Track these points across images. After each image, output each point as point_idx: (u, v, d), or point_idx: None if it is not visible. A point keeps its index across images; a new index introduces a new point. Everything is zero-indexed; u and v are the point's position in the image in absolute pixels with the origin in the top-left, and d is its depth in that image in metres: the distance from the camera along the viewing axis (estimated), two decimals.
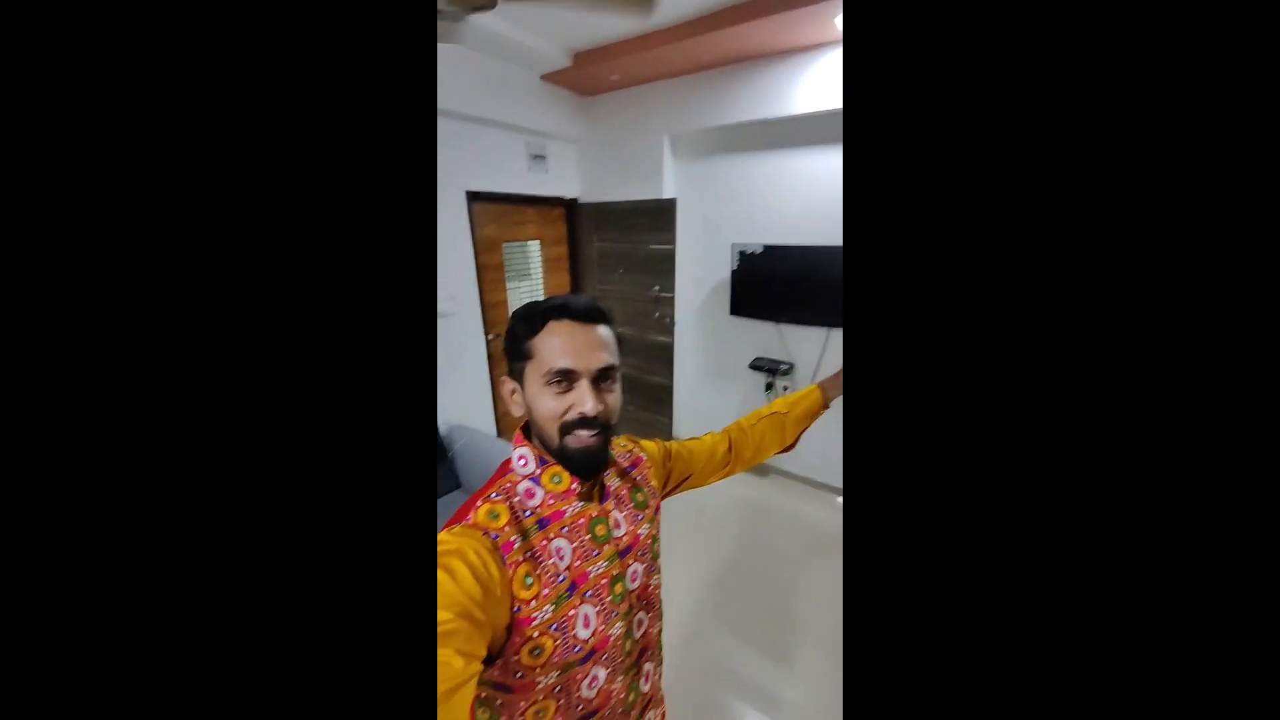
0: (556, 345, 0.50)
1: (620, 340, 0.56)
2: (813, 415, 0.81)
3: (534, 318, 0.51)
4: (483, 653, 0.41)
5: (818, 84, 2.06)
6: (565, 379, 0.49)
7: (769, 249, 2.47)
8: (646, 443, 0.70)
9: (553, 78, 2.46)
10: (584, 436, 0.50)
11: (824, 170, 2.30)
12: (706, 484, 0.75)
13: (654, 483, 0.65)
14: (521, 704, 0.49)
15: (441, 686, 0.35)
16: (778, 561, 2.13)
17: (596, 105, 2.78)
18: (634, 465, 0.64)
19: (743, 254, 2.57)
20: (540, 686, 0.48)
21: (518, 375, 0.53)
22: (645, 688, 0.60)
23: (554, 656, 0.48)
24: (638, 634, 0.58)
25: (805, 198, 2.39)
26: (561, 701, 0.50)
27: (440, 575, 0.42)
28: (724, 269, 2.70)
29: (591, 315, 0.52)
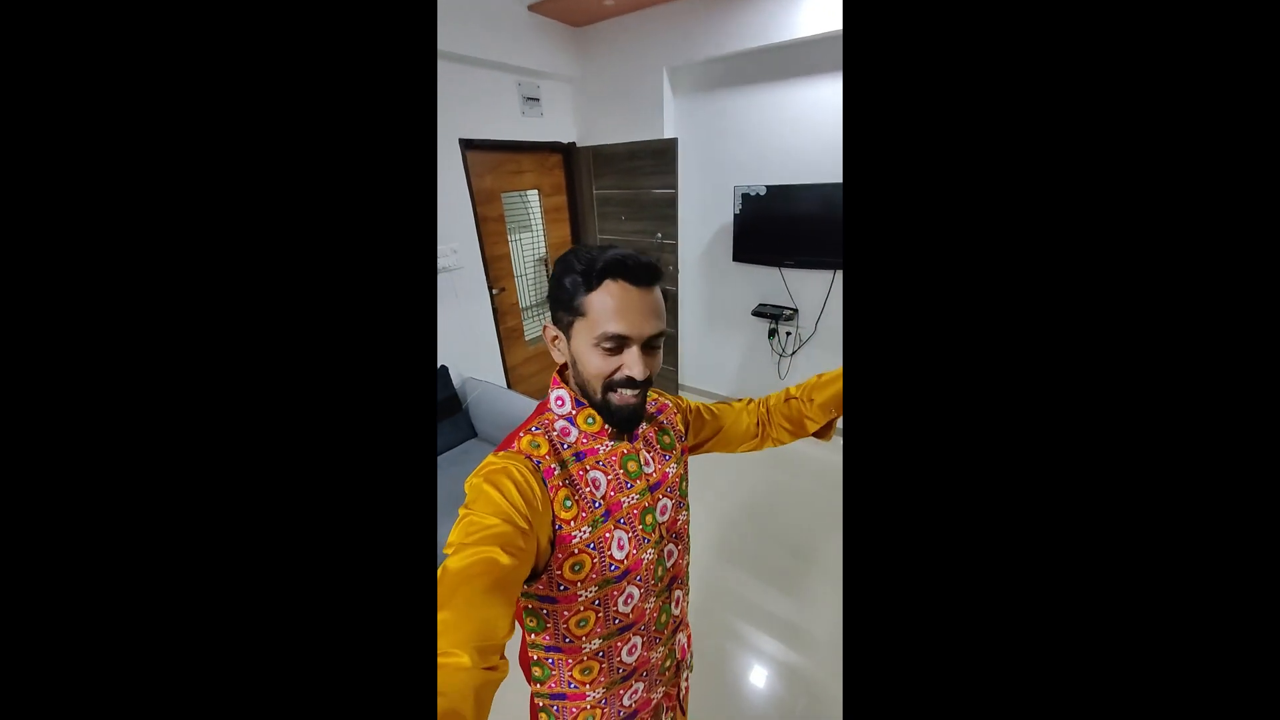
0: (611, 308, 0.49)
1: (666, 297, 0.58)
2: (839, 405, 0.72)
3: (590, 274, 0.50)
4: (530, 552, 0.45)
5: (821, 2, 1.91)
6: (617, 343, 0.50)
7: (771, 190, 2.40)
8: (670, 395, 0.73)
9: (541, 8, 2.30)
10: (626, 395, 0.52)
11: (826, 101, 2.18)
12: (736, 451, 0.75)
13: (680, 427, 0.68)
14: (565, 613, 0.54)
15: (490, 578, 0.40)
16: (791, 502, 2.25)
17: (590, 37, 2.61)
18: (659, 411, 0.68)
19: (745, 196, 2.50)
20: (581, 599, 0.53)
21: (564, 326, 0.53)
22: (676, 611, 0.66)
23: (592, 573, 0.53)
24: (669, 563, 0.62)
25: (808, 132, 2.28)
26: (600, 614, 0.55)
27: (487, 489, 0.47)
28: (726, 213, 2.64)
29: (648, 277, 0.52)
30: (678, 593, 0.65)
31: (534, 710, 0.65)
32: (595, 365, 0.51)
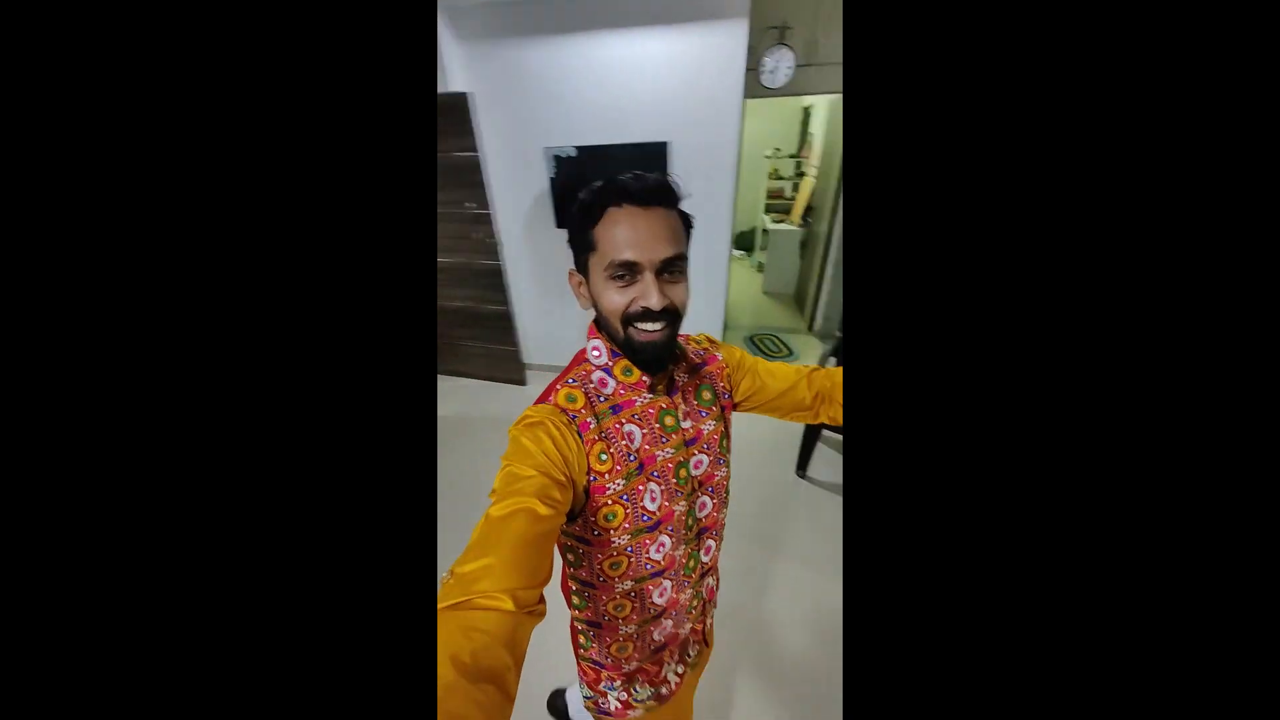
0: (617, 235, 0.47)
1: (688, 222, 0.52)
2: None
3: (593, 205, 0.49)
4: (567, 503, 0.47)
5: None
6: (628, 271, 0.48)
7: (583, 150, 2.33)
8: (726, 346, 0.68)
9: None
10: (648, 329, 0.49)
11: (636, 56, 2.16)
12: (785, 419, 0.71)
13: (723, 384, 0.64)
14: (599, 555, 0.56)
15: (530, 527, 0.41)
16: (760, 486, 2.11)
17: None
18: (706, 363, 0.64)
19: (557, 158, 2.38)
20: (615, 545, 0.55)
21: (583, 267, 0.52)
22: (705, 559, 0.67)
23: (625, 522, 0.54)
24: (700, 514, 0.62)
25: (618, 89, 2.24)
26: (633, 559, 0.56)
27: (525, 442, 0.47)
28: (542, 177, 2.49)
29: (655, 197, 0.48)
30: (709, 541, 0.66)
31: (574, 631, 0.68)
32: (612, 300, 0.49)
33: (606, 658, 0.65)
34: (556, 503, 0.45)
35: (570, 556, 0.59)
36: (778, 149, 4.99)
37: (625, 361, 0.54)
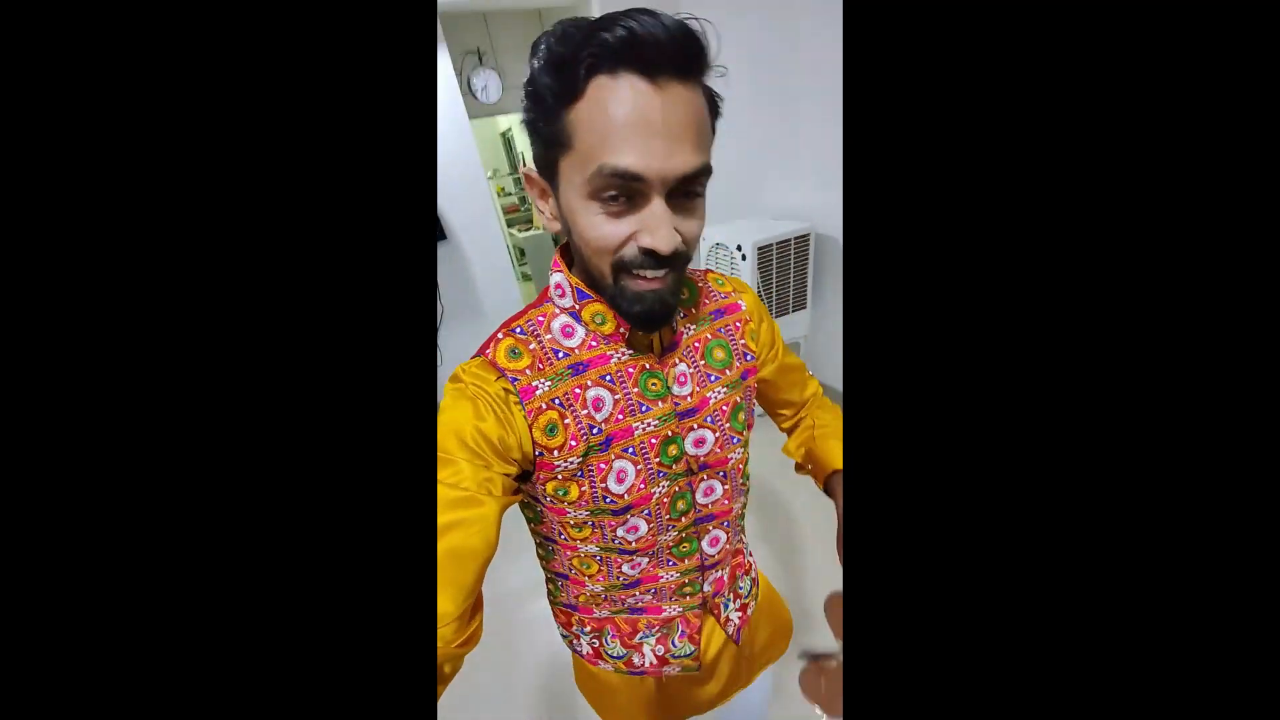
0: (610, 124, 0.30)
1: (716, 107, 0.35)
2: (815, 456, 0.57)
3: (573, 65, 0.30)
4: (511, 481, 0.39)
5: None
6: (624, 191, 0.32)
7: None
8: (748, 290, 0.51)
9: None
10: (650, 277, 0.35)
11: None
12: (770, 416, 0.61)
13: (745, 341, 0.48)
14: (555, 519, 0.45)
15: (468, 541, 0.34)
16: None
17: None
18: (724, 312, 0.48)
19: None
20: (570, 516, 0.44)
21: (548, 170, 0.35)
22: (711, 550, 0.51)
23: (581, 500, 0.42)
24: (703, 499, 0.48)
25: None
26: (597, 533, 0.45)
27: (456, 412, 0.37)
28: None
29: (676, 62, 0.30)
30: (716, 532, 0.51)
31: (546, 580, 0.56)
32: (597, 231, 0.34)
33: (576, 603, 0.53)
34: (498, 490, 0.37)
35: (528, 512, 0.48)
36: (496, 170, 5.31)
37: (597, 305, 0.40)
